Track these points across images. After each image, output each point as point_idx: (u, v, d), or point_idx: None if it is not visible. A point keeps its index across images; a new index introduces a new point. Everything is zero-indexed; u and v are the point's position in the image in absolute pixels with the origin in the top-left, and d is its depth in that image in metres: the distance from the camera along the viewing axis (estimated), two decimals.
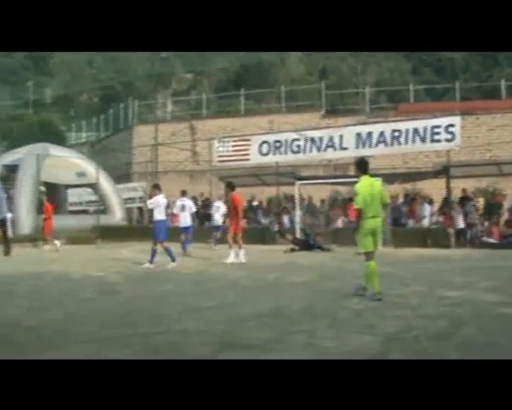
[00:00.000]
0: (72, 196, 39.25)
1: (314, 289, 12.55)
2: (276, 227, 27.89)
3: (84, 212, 38.17)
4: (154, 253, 17.47)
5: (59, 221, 32.00)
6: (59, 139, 56.26)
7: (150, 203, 17.88)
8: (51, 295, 12.14)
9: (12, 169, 33.58)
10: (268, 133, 33.26)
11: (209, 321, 8.90)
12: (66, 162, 34.37)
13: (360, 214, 10.93)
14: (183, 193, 23.91)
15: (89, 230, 32.34)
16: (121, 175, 41.48)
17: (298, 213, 26.98)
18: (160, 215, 17.72)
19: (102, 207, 35.28)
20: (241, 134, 34.45)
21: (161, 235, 17.55)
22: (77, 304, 10.91)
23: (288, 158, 29.71)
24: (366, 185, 11.07)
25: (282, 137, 30.13)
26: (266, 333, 7.93)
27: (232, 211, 19.15)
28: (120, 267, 17.48)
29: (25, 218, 30.75)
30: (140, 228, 31.46)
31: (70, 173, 34.73)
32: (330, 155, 29.12)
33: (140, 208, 37.75)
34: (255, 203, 33.40)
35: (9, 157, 35.60)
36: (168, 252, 17.67)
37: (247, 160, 30.62)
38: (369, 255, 11.00)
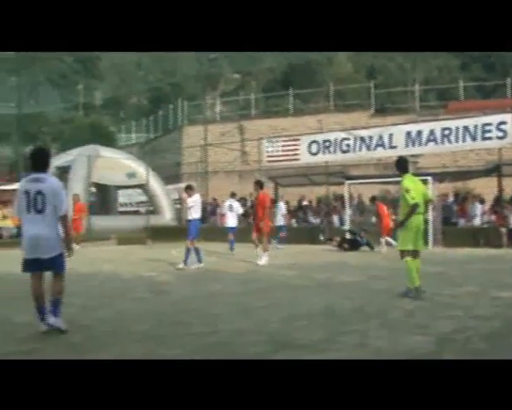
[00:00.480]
0: (123, 196, 39.66)
1: (365, 289, 12.50)
2: (321, 236, 27.65)
3: (135, 213, 38.52)
4: (197, 252, 17.67)
5: (110, 222, 32.47)
6: (109, 141, 56.86)
7: (192, 202, 17.83)
8: (103, 295, 12.28)
9: (64, 170, 34.08)
10: (317, 133, 33.20)
11: (260, 321, 8.92)
12: (116, 163, 34.74)
13: (414, 209, 10.85)
14: (233, 195, 24.31)
15: (139, 230, 32.62)
16: (171, 176, 41.74)
17: (347, 213, 26.89)
18: (196, 214, 17.83)
19: (152, 207, 35.55)
20: (290, 134, 34.44)
21: (195, 233, 17.70)
22: (129, 304, 11.03)
23: (338, 157, 29.67)
24: (412, 183, 11.06)
25: (331, 136, 30.09)
26: (318, 333, 7.92)
27: (260, 210, 18.80)
28: (170, 267, 17.58)
29: None
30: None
31: (120, 174, 35.07)
32: (380, 154, 28.96)
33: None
34: (305, 203, 33.37)
35: (62, 159, 36.12)
36: (196, 252, 17.73)
37: (297, 159, 30.63)
38: (404, 254, 10.94)
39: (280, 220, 25.77)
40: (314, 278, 14.73)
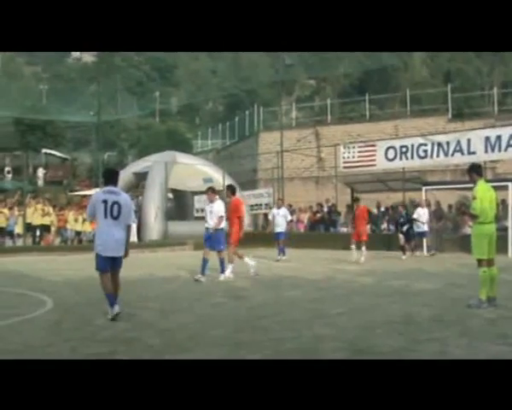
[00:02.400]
0: (199, 202, 39.94)
1: (443, 296, 12.38)
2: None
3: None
4: (222, 262, 16.55)
5: (186, 227, 32.81)
6: (185, 147, 57.62)
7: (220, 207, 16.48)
8: (182, 299, 12.48)
9: (142, 176, 34.65)
10: (393, 138, 33.00)
11: (339, 327, 8.95)
12: (193, 169, 35.13)
13: (474, 219, 10.75)
14: (281, 201, 24.20)
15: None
16: (247, 181, 41.90)
17: (425, 219, 26.56)
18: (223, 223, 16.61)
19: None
20: (366, 139, 34.30)
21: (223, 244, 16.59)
22: (207, 308, 11.19)
23: (415, 163, 29.39)
24: (485, 190, 10.86)
25: (408, 142, 29.82)
26: (398, 340, 7.91)
27: (233, 218, 17.20)
28: (247, 273, 17.63)
29: (153, 224, 31.64)
30: (266, 234, 31.68)
31: (197, 180, 35.38)
32: (458, 159, 28.47)
33: (265, 215, 38.04)
34: (381, 210, 33.17)
35: (139, 165, 36.73)
36: (222, 263, 16.53)
37: (373, 165, 30.47)
38: (482, 262, 10.75)
39: (422, 227, 24.85)
40: (391, 284, 14.66)
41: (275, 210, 24.30)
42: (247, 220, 35.07)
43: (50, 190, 48.76)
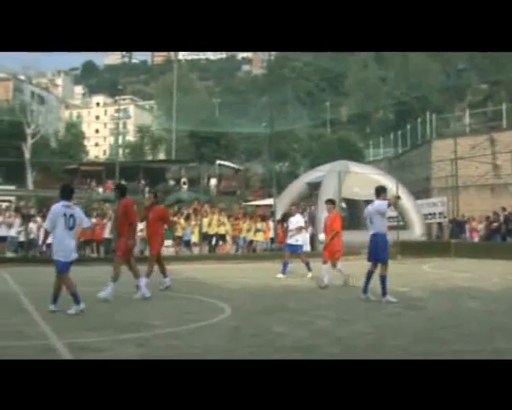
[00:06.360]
0: None
1: None
2: None
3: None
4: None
5: (360, 237, 32.76)
6: (357, 156, 57.49)
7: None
8: (357, 308, 12.55)
9: (314, 186, 34.93)
10: None
11: None
12: (366, 179, 35.01)
13: None
14: (295, 207, 22.67)
15: (390, 245, 32.60)
16: (420, 190, 41.34)
17: None
18: None
19: (402, 222, 35.39)
20: None
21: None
22: (384, 318, 11.19)
23: None
24: None
25: None
26: None
27: (123, 225, 14.20)
28: (423, 283, 17.46)
29: None
30: (440, 244, 31.17)
31: (370, 189, 35.30)
32: None
33: (440, 224, 37.41)
34: None
35: (312, 175, 37.04)
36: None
37: None
38: None
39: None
40: None
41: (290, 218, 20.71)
42: (420, 230, 34.62)
43: (224, 200, 50.13)
